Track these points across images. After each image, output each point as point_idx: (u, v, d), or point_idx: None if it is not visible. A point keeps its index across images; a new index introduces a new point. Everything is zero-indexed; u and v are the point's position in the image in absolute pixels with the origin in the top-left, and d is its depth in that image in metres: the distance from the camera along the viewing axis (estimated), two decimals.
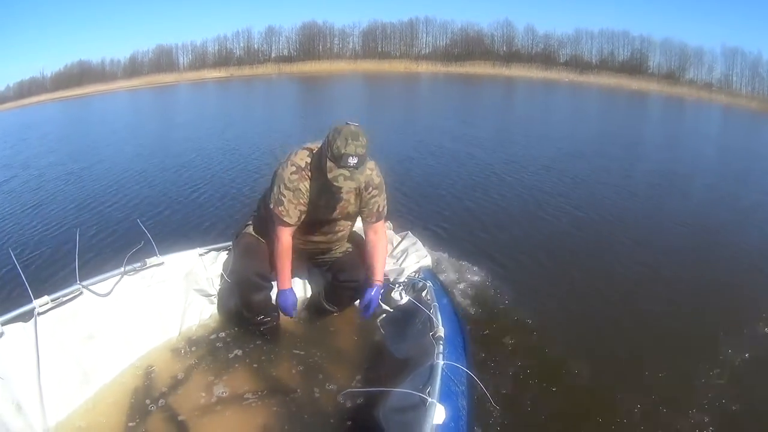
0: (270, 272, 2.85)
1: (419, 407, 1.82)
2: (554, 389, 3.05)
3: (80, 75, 55.48)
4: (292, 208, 2.66)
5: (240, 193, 7.65)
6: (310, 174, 2.63)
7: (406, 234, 3.56)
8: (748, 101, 33.52)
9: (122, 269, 2.80)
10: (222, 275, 3.16)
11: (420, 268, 3.21)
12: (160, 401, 2.54)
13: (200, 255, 3.16)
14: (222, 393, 2.62)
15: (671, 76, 44.02)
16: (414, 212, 6.51)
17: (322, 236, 2.92)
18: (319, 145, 2.62)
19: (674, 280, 4.83)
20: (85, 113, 27.85)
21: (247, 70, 55.16)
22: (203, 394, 2.60)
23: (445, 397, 1.91)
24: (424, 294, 2.83)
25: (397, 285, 3.03)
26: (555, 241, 5.76)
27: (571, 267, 4.99)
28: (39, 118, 26.27)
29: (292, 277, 2.88)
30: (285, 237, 2.74)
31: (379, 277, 2.87)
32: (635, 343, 3.75)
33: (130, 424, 2.41)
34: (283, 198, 2.64)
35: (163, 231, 5.66)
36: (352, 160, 2.43)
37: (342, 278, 2.97)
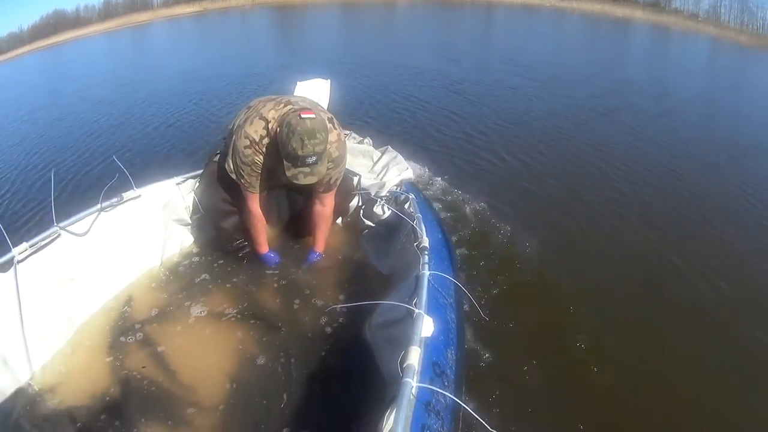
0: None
1: (406, 320, 1.74)
2: (546, 301, 3.08)
3: (56, 24, 52.70)
4: (253, 180, 2.62)
5: (216, 118, 7.53)
6: (264, 150, 2.54)
7: (386, 148, 3.45)
8: (737, 34, 32.49)
9: (99, 206, 2.71)
10: (197, 203, 3.08)
11: (401, 181, 3.14)
12: (144, 331, 2.52)
13: (177, 184, 3.06)
14: (200, 312, 2.63)
15: (656, 5, 42.66)
16: (396, 126, 6.62)
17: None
18: (277, 114, 2.51)
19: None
20: (59, 60, 26.51)
21: (220, 3, 52.24)
22: (184, 318, 2.60)
23: (433, 309, 1.86)
24: (406, 206, 2.77)
25: (379, 199, 2.97)
26: (542, 153, 5.80)
27: (563, 184, 5.00)
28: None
29: (267, 196, 2.82)
30: (254, 206, 2.72)
31: (320, 248, 2.91)
32: (622, 256, 3.76)
33: (117, 357, 2.39)
34: (242, 171, 2.59)
35: (140, 164, 5.52)
36: (311, 159, 2.34)
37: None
